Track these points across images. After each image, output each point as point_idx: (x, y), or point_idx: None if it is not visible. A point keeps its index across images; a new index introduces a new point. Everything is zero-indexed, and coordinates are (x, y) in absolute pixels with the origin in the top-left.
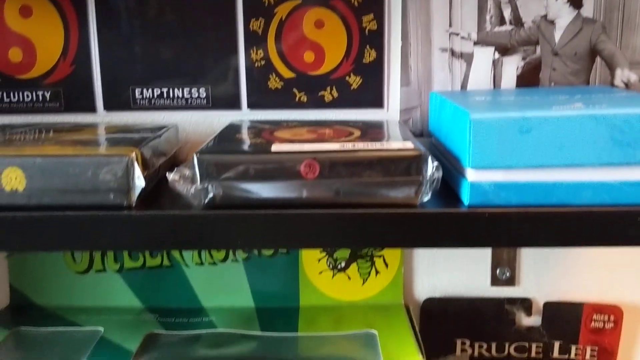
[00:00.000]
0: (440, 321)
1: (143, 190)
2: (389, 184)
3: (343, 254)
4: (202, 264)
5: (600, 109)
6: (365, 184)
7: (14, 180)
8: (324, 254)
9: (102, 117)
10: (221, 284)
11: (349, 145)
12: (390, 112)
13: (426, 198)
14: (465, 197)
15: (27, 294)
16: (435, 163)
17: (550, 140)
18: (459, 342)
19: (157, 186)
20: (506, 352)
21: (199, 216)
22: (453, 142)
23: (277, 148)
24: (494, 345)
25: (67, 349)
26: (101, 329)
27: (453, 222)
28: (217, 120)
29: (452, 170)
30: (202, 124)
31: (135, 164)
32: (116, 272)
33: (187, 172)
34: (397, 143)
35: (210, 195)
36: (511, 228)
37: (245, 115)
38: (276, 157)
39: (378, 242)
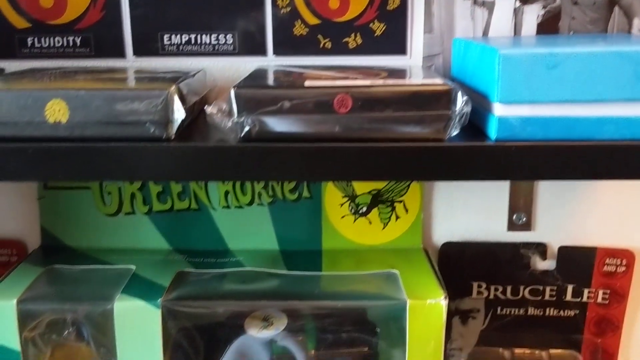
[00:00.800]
0: (458, 265)
1: (181, 124)
2: (418, 119)
3: (364, 199)
4: (228, 207)
5: (624, 46)
6: (396, 118)
7: (58, 112)
8: (346, 198)
9: (132, 63)
10: (247, 227)
11: (379, 82)
12: (413, 59)
13: (455, 132)
14: (492, 132)
15: (57, 236)
16: (465, 97)
17: (575, 76)
18: (475, 285)
19: (192, 123)
20: (521, 295)
21: (236, 148)
22: (479, 80)
23: (310, 84)
24: (509, 289)
25: (101, 284)
26: (133, 267)
27: (481, 155)
28: (244, 66)
29: (478, 109)
30: (228, 69)
31: (175, 97)
32: (145, 214)
33: (224, 106)
34: (427, 79)
35: (246, 128)
36: (537, 161)
37: (270, 61)
38: (310, 92)
39: (408, 175)
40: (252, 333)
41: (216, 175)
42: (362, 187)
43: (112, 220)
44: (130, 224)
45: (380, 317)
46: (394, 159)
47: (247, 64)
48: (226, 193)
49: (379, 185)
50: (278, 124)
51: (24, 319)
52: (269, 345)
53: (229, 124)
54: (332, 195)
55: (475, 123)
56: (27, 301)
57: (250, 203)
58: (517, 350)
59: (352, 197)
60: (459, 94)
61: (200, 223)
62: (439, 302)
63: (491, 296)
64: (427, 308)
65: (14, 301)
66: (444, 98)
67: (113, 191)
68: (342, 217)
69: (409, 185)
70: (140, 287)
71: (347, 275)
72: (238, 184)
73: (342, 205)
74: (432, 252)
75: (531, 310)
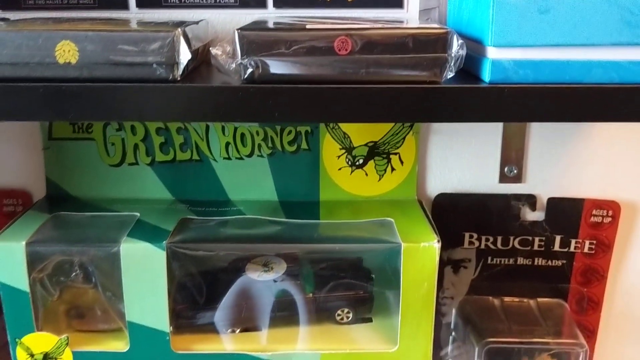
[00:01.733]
0: (451, 216)
1: (186, 66)
2: (416, 61)
3: (361, 151)
4: (229, 158)
5: None
6: (394, 60)
7: (67, 53)
8: (343, 151)
9: (135, 14)
10: (247, 178)
11: (378, 25)
12: (409, 13)
13: (450, 75)
14: (486, 75)
15: (62, 186)
16: (460, 41)
17: (566, 20)
18: (466, 235)
19: (196, 70)
20: (510, 245)
21: (240, 89)
22: (474, 28)
23: (311, 27)
24: (499, 239)
25: (107, 228)
26: (137, 214)
27: (475, 97)
28: (244, 18)
29: (473, 56)
30: (229, 22)
31: (181, 39)
32: (148, 165)
33: (228, 48)
34: (424, 24)
35: (250, 70)
36: (528, 103)
37: (270, 14)
38: (312, 34)
39: (405, 116)
40: (253, 277)
41: (220, 116)
42: (359, 139)
43: (116, 171)
44: (134, 175)
45: (376, 261)
46: (392, 101)
47: (247, 17)
48: (227, 144)
49: (376, 137)
50: (280, 66)
51: (33, 260)
52: (270, 288)
53: (233, 65)
54: (330, 148)
55: (470, 70)
56: (36, 243)
57: (251, 155)
58: (507, 299)
59: (349, 149)
60: (455, 38)
61: (202, 174)
62: (432, 245)
63: (482, 246)
64: (421, 251)
65: (23, 243)
66: (441, 41)
67: (117, 142)
68: (339, 169)
69: (404, 138)
70: (145, 232)
71: (344, 223)
72: (239, 136)
73: (339, 157)
74: (426, 203)
75: (520, 260)
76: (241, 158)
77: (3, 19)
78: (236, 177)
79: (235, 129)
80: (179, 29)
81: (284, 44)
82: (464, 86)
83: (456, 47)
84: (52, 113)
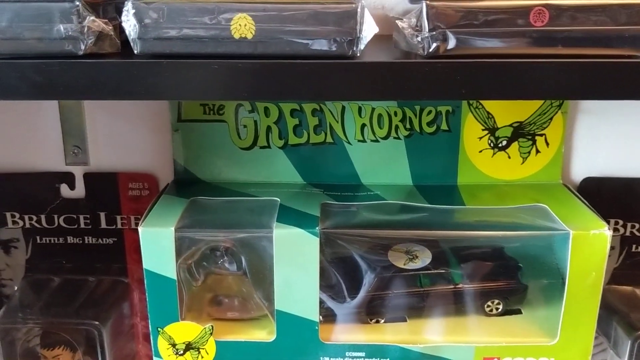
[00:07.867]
0: (596, 201)
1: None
2: (615, 32)
3: (505, 132)
4: (364, 141)
5: None
6: (591, 32)
7: (243, 27)
8: (485, 132)
9: None
10: (381, 161)
11: None
12: None
13: None
14: None
15: (190, 169)
16: None
17: None
18: (612, 222)
19: None
20: None
21: (426, 64)
22: None
23: None
24: None
25: (252, 213)
26: (277, 199)
27: None
28: None
29: None
30: None
31: (366, 12)
32: (280, 148)
33: (414, 20)
34: None
35: (435, 45)
36: None
37: None
38: (505, 4)
39: (600, 93)
40: (399, 265)
41: (403, 94)
42: (503, 120)
43: (246, 154)
44: (265, 158)
45: (530, 250)
46: (588, 75)
47: None
48: (362, 126)
49: (522, 117)
50: (470, 39)
51: (181, 246)
52: (416, 277)
53: (418, 39)
54: (472, 128)
55: None
56: (185, 229)
57: (386, 137)
58: None
59: (492, 130)
60: None
61: (335, 157)
62: (603, 232)
63: (627, 233)
64: (590, 238)
65: (172, 228)
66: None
67: (249, 124)
68: (480, 151)
69: (552, 118)
70: (292, 217)
71: (494, 209)
72: (376, 117)
73: (481, 138)
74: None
75: None
76: (376, 140)
77: None
78: (370, 160)
79: (373, 109)
80: (361, 2)
81: (475, 16)
82: None
83: None
84: (225, 92)
